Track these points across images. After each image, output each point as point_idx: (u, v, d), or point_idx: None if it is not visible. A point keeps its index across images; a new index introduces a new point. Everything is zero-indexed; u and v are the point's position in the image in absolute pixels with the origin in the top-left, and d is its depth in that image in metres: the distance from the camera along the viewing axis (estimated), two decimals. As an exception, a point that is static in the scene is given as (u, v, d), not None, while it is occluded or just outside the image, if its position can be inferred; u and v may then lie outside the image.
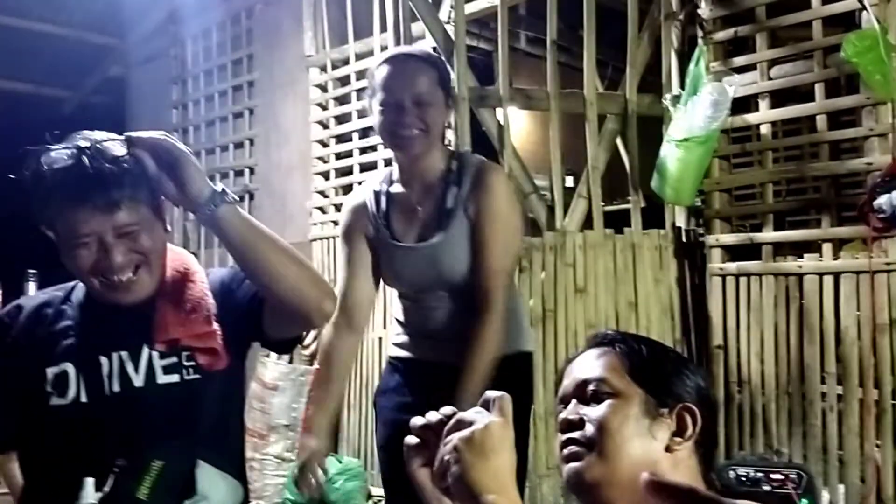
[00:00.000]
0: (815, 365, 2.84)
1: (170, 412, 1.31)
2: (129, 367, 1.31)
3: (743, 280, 3.05)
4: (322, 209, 4.52)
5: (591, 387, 1.04)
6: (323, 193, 4.52)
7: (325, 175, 4.51)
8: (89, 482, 1.23)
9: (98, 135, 1.27)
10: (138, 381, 1.30)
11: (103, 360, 1.30)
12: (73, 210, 1.23)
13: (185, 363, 1.32)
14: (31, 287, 4.77)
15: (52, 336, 1.33)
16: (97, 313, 1.34)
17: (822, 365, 2.83)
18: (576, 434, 1.02)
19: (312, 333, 4.10)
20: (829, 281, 2.80)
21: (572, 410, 1.04)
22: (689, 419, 1.02)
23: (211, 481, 1.30)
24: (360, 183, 4.21)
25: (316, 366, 2.04)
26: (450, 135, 3.71)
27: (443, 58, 1.95)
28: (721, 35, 3.12)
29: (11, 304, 1.39)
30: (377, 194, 1.95)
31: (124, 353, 1.31)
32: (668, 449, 1.01)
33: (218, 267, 1.55)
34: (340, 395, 2.07)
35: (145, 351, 1.31)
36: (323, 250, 4.44)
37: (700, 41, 3.14)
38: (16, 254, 4.49)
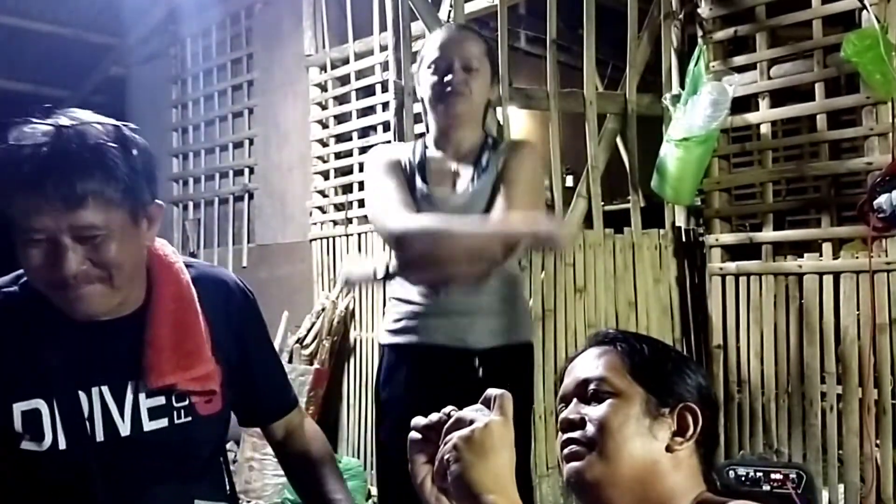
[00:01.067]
0: (814, 364, 2.84)
1: (161, 458, 1.15)
2: (114, 411, 1.11)
3: (743, 280, 3.05)
4: (322, 209, 4.52)
5: (591, 386, 1.03)
6: (322, 193, 4.51)
7: (325, 174, 4.51)
8: None
9: (90, 115, 1.07)
10: (124, 429, 1.12)
11: (82, 396, 1.10)
12: (27, 196, 0.99)
13: (176, 404, 1.15)
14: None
15: (17, 361, 1.09)
16: (70, 334, 1.11)
17: (821, 364, 2.83)
18: (576, 434, 1.01)
19: (312, 333, 4.10)
20: (828, 280, 2.80)
21: (573, 410, 1.04)
22: (690, 419, 1.02)
23: None
24: (359, 183, 4.26)
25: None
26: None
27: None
28: (721, 34, 3.11)
29: None
30: (413, 151, 1.94)
31: (105, 389, 1.11)
32: (668, 449, 1.00)
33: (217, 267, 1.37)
34: None
35: (130, 388, 1.12)
36: (322, 250, 4.44)
37: (700, 40, 3.14)
38: (14, 256, 4.49)
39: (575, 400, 1.05)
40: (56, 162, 0.98)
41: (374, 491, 3.74)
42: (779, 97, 3.04)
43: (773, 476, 2.42)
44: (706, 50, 3.07)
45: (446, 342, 1.81)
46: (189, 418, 1.16)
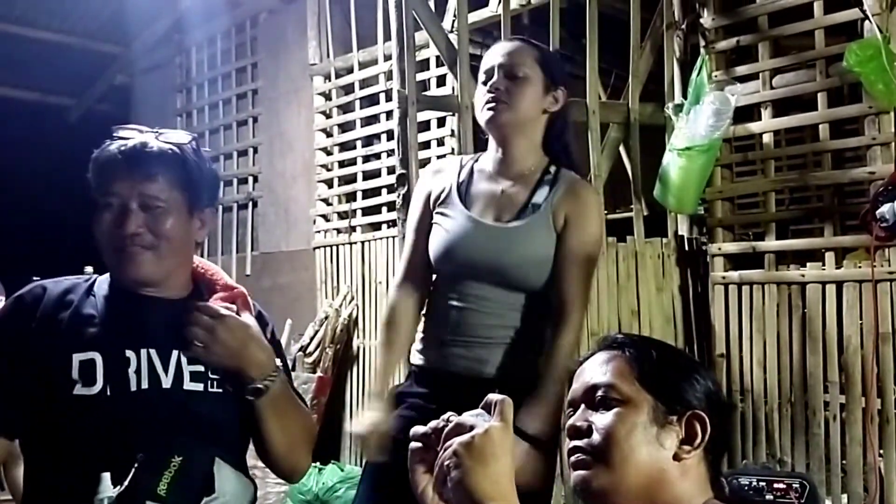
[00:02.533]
0: (817, 374, 2.84)
1: (193, 415, 1.30)
2: (158, 366, 1.29)
3: (745, 288, 3.05)
4: (325, 217, 4.53)
5: (599, 392, 1.02)
6: (326, 201, 4.53)
7: (329, 183, 4.52)
8: (106, 477, 1.21)
9: (181, 133, 1.35)
10: (167, 381, 1.29)
11: (131, 354, 1.28)
12: (111, 168, 1.28)
13: (211, 375, 1.32)
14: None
15: (79, 322, 1.30)
16: (124, 304, 1.32)
17: (824, 374, 2.82)
18: (583, 442, 1.01)
19: (315, 341, 4.11)
20: (831, 290, 2.80)
21: (580, 417, 1.03)
22: (698, 427, 1.00)
23: (228, 480, 1.30)
24: (363, 191, 4.27)
25: (380, 331, 1.93)
26: (453, 142, 3.73)
27: (553, 51, 1.91)
28: (723, 44, 3.12)
29: (34, 284, 1.35)
30: (462, 165, 1.87)
31: (153, 351, 1.30)
32: (676, 457, 0.99)
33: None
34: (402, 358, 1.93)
35: (174, 354, 1.30)
36: (326, 257, 4.45)
37: (702, 50, 3.15)
38: (19, 259, 4.51)
39: (583, 406, 1.04)
40: (140, 148, 1.29)
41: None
42: (781, 107, 3.05)
43: (776, 486, 2.42)
44: (709, 60, 3.08)
45: (460, 370, 1.76)
46: (220, 390, 1.33)
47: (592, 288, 3.20)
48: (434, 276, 1.87)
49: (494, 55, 1.79)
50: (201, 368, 1.31)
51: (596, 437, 1.00)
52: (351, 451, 4.10)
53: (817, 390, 2.84)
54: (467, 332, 1.75)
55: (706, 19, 3.17)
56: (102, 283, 1.36)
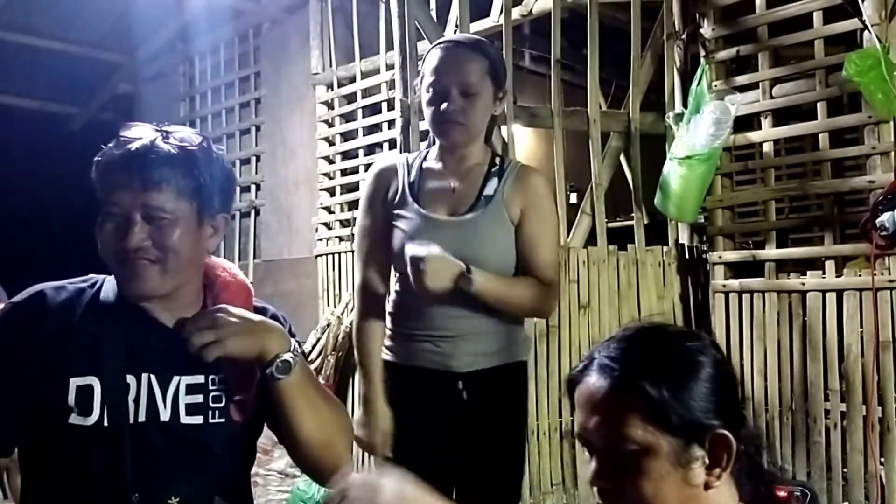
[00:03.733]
0: (818, 382, 2.84)
1: (192, 449, 1.21)
2: (158, 396, 1.20)
3: (746, 297, 3.06)
4: (327, 225, 4.55)
5: (614, 442, 0.96)
6: (328, 209, 4.54)
7: (331, 191, 4.54)
8: None
9: (189, 131, 1.24)
10: (165, 414, 1.19)
11: (131, 380, 1.19)
12: (114, 174, 1.17)
13: (212, 405, 1.22)
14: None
15: (79, 340, 1.19)
16: (127, 323, 1.21)
17: (825, 382, 2.83)
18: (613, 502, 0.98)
19: (317, 349, 4.12)
20: (832, 298, 2.81)
21: (604, 475, 0.98)
22: (723, 448, 0.95)
23: None
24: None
25: (356, 355, 1.93)
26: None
27: (493, 47, 1.85)
28: (723, 54, 3.14)
29: (34, 290, 1.23)
30: (409, 164, 1.88)
31: (153, 377, 1.20)
32: (707, 486, 0.95)
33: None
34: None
35: (174, 381, 1.21)
36: (328, 266, 4.46)
37: (702, 60, 3.17)
38: (21, 267, 4.52)
39: (599, 456, 0.98)
40: (144, 151, 1.16)
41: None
42: (781, 116, 3.06)
43: (777, 493, 2.42)
44: (709, 69, 3.10)
45: (428, 365, 1.79)
46: (223, 419, 1.23)
47: (593, 296, 3.24)
48: (397, 274, 1.88)
49: (444, 68, 1.78)
50: (201, 399, 1.21)
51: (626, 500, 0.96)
52: (353, 459, 4.10)
53: (818, 398, 2.84)
54: (433, 326, 1.78)
55: (706, 29, 3.19)
56: (108, 290, 1.25)
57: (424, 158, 1.88)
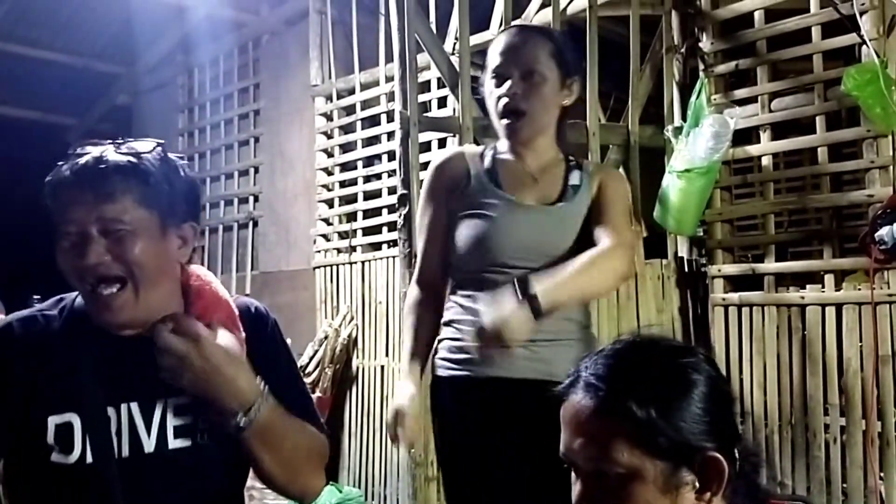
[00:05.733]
0: (817, 396, 2.83)
1: (180, 477, 1.17)
2: (140, 427, 1.15)
3: (745, 310, 3.05)
4: (326, 237, 4.54)
5: (599, 464, 0.92)
6: (327, 221, 4.54)
7: (329, 203, 4.53)
8: None
9: (147, 143, 1.17)
10: (149, 445, 1.15)
11: (111, 412, 1.14)
12: (64, 191, 1.10)
13: (201, 425, 1.17)
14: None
15: (54, 375, 1.13)
16: (103, 351, 1.16)
17: (825, 396, 2.82)
18: None
19: (314, 361, 4.10)
20: (831, 312, 2.80)
21: (587, 496, 0.94)
22: (713, 471, 0.91)
23: None
24: (364, 211, 4.28)
25: (405, 326, 1.83)
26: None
27: (561, 34, 1.80)
28: (722, 68, 3.15)
29: (2, 323, 1.19)
30: (480, 154, 1.77)
31: (134, 406, 1.15)
32: None
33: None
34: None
35: (158, 406, 1.16)
36: (326, 278, 4.45)
37: (701, 74, 3.18)
38: (18, 279, 4.51)
39: (584, 476, 0.95)
40: (93, 163, 1.10)
41: (374, 521, 3.71)
42: (780, 130, 3.07)
43: (776, 509, 2.40)
44: (708, 83, 3.11)
45: (527, 375, 1.61)
46: (212, 439, 1.18)
47: (592, 309, 3.22)
48: (461, 278, 1.73)
49: (508, 52, 1.68)
50: (188, 420, 1.16)
51: None
52: (349, 472, 4.08)
53: (817, 412, 2.83)
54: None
55: (705, 43, 3.20)
56: (78, 312, 1.18)
57: (495, 151, 1.78)
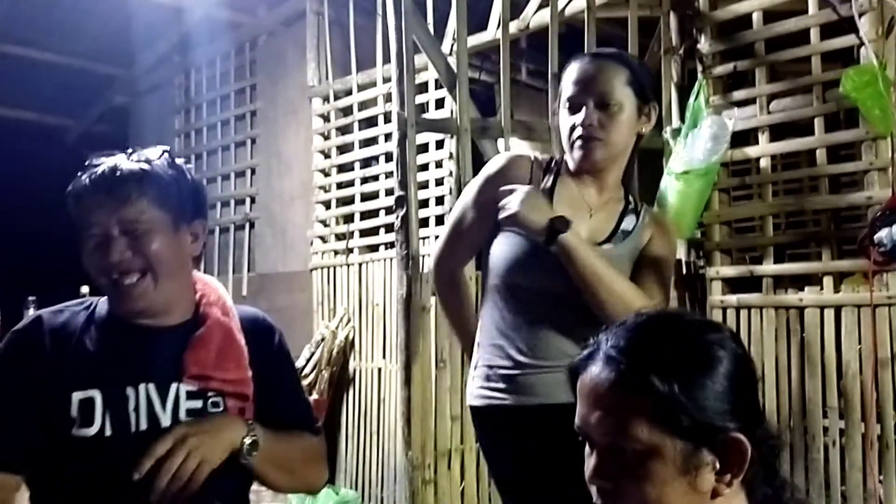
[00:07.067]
0: (816, 399, 2.82)
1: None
2: (157, 404, 1.26)
3: (744, 312, 3.04)
4: (323, 238, 4.53)
5: (616, 440, 0.90)
6: (324, 222, 4.53)
7: (327, 204, 4.52)
8: None
9: (152, 149, 1.33)
10: (165, 419, 1.26)
11: (130, 391, 1.26)
12: (85, 199, 1.25)
13: (210, 409, 1.29)
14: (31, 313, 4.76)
15: (79, 357, 1.27)
16: (124, 337, 1.30)
17: (823, 399, 2.81)
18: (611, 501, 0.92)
19: (311, 363, 4.09)
20: (830, 314, 2.79)
21: (601, 468, 0.91)
22: (735, 453, 0.88)
23: None
24: (361, 213, 4.27)
25: (445, 296, 1.89)
26: (451, 165, 3.74)
27: (639, 61, 1.74)
28: (720, 69, 3.14)
29: (31, 317, 1.33)
30: (545, 167, 1.74)
31: (151, 386, 1.27)
32: (715, 493, 0.89)
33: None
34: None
35: (173, 387, 1.28)
36: (323, 279, 4.44)
37: (700, 75, 3.17)
38: (15, 279, 4.49)
39: (599, 451, 0.92)
40: (110, 171, 1.25)
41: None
42: (778, 131, 3.06)
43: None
44: (706, 84, 3.10)
45: (549, 400, 1.58)
46: None
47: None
48: (495, 291, 1.71)
49: (582, 81, 1.65)
50: (199, 404, 1.28)
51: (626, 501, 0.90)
52: (346, 474, 4.07)
53: (816, 415, 2.82)
54: (564, 353, 1.57)
55: (703, 45, 3.19)
56: (101, 309, 1.33)
57: (559, 168, 1.74)
